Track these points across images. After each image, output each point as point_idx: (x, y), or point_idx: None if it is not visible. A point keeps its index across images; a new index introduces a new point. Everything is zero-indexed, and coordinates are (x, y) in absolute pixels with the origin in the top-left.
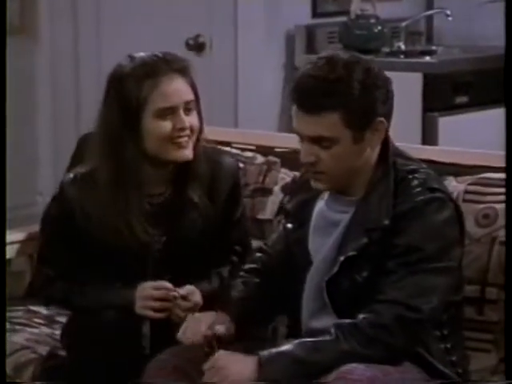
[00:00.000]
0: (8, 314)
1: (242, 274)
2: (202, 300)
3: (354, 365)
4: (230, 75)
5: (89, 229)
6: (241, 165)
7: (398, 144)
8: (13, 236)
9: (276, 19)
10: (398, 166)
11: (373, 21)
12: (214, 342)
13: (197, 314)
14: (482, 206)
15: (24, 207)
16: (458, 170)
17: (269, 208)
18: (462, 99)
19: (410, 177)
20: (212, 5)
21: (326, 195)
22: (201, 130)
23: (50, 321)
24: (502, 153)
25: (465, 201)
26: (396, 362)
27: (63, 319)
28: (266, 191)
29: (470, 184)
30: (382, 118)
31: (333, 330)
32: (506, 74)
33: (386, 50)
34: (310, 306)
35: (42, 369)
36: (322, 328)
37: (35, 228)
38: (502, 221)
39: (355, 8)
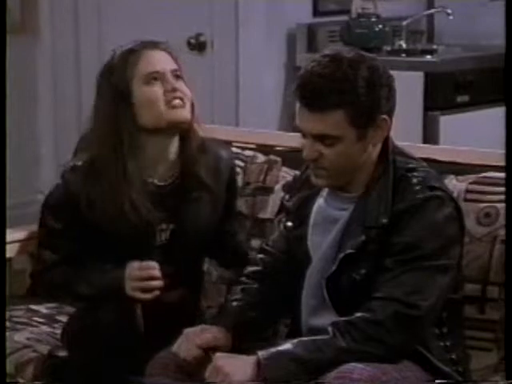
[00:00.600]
0: (9, 313)
1: (242, 279)
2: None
3: (353, 364)
4: (231, 74)
5: (93, 216)
6: (241, 164)
7: (399, 143)
8: (14, 234)
9: (277, 18)
10: (398, 164)
11: (374, 19)
12: (211, 353)
13: (191, 330)
14: (483, 204)
15: (25, 206)
16: (459, 168)
17: (270, 207)
18: (463, 98)
19: (410, 175)
20: (213, 4)
21: (325, 192)
22: (193, 103)
23: (50, 320)
24: (504, 152)
25: (466, 200)
26: (395, 360)
27: (64, 318)
28: (267, 190)
29: (471, 183)
30: (386, 116)
31: (330, 329)
32: (507, 73)
33: (387, 48)
34: (309, 304)
35: (43, 367)
36: (322, 326)
37: (36, 227)
38: (503, 220)
39: (356, 7)
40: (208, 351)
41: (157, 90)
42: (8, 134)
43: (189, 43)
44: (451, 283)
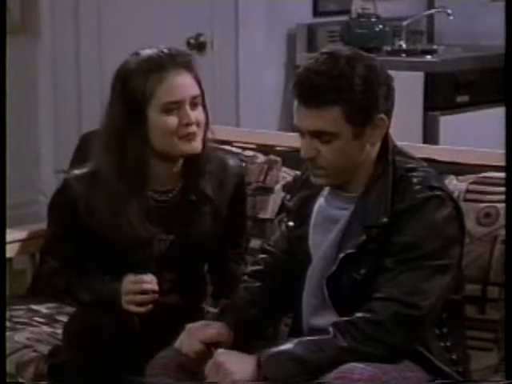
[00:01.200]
0: (9, 313)
1: (244, 278)
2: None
3: (353, 364)
4: (232, 74)
5: (92, 225)
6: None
7: (399, 143)
8: (14, 234)
9: (277, 18)
10: (398, 164)
11: (374, 20)
12: (213, 349)
13: (193, 326)
14: (483, 204)
15: (25, 206)
16: (459, 168)
17: (270, 207)
18: (463, 98)
19: (410, 175)
20: (213, 4)
21: (326, 192)
22: (207, 125)
23: (50, 320)
24: (504, 152)
25: (466, 200)
26: (395, 360)
27: (64, 318)
28: (267, 190)
29: (471, 183)
30: (383, 115)
31: (331, 329)
32: (507, 73)
33: (388, 48)
34: (310, 304)
35: (43, 367)
36: (323, 326)
37: (37, 226)
38: (503, 220)
39: (356, 7)
40: (210, 347)
41: (172, 120)
42: (8, 134)
43: (189, 43)
44: (451, 283)
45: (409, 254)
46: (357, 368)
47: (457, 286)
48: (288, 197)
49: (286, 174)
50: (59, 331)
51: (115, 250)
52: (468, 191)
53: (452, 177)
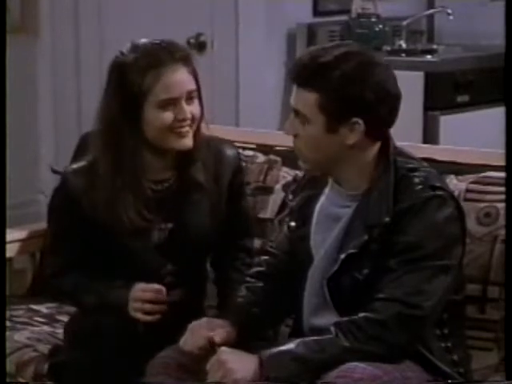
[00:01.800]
0: (9, 313)
1: (247, 279)
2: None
3: (354, 363)
4: (232, 74)
5: (92, 217)
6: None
7: (399, 142)
8: (14, 234)
9: (277, 18)
10: (399, 164)
11: (374, 19)
12: (216, 347)
13: (197, 323)
14: (483, 204)
15: (26, 205)
16: (459, 168)
17: (270, 207)
18: (463, 98)
19: (411, 175)
20: (213, 4)
21: (327, 190)
22: (201, 117)
23: (50, 319)
24: (504, 152)
25: (466, 199)
26: (397, 360)
27: (64, 318)
28: (267, 190)
29: (471, 183)
30: (360, 120)
31: (333, 328)
32: (507, 73)
33: (387, 48)
34: (311, 304)
35: (44, 367)
36: (324, 326)
37: (37, 226)
38: (503, 219)
39: (356, 7)
40: (213, 344)
41: (168, 115)
42: (8, 134)
43: (189, 43)
44: (453, 283)
45: (411, 255)
46: (358, 367)
47: (458, 287)
48: (290, 197)
49: (286, 174)
50: (59, 331)
51: (115, 241)
52: (468, 191)
53: (452, 177)
